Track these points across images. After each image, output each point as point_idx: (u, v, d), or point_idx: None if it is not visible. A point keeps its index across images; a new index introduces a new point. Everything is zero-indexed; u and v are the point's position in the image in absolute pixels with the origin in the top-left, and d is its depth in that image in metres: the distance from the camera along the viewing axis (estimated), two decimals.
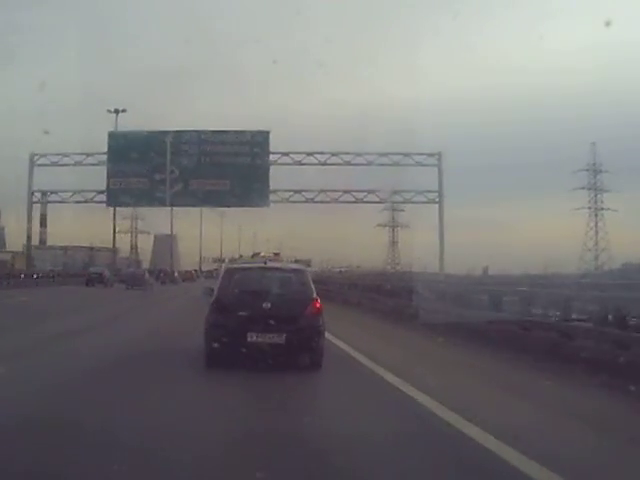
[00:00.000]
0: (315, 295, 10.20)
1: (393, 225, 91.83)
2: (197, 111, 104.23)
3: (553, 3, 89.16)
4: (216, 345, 9.65)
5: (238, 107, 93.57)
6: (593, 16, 77.61)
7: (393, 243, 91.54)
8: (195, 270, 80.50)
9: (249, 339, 9.53)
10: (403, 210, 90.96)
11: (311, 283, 10.43)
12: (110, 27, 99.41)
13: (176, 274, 66.40)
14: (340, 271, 65.97)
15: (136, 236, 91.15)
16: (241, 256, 57.53)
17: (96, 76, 74.85)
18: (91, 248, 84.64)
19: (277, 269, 11.37)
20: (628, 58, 76.44)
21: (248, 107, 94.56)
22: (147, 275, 48.23)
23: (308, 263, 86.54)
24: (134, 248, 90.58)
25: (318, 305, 10.10)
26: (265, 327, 9.54)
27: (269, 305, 9.78)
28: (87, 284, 44.65)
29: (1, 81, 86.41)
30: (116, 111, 50.07)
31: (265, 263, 11.57)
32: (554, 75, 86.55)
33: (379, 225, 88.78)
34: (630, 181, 79.06)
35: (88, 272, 49.98)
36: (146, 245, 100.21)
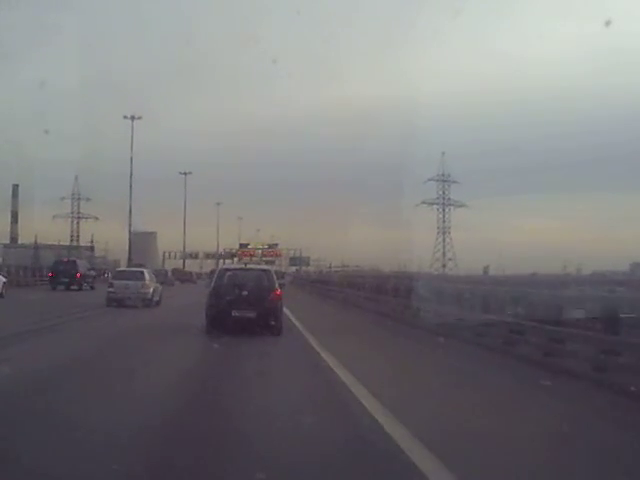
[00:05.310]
0: (276, 286, 15.80)
1: (443, 203, 65.55)
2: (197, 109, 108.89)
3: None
4: (212, 318, 15.21)
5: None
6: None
7: (443, 231, 65.35)
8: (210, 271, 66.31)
9: (233, 314, 15.05)
10: (457, 182, 64.12)
11: (274, 278, 16.06)
12: (110, 27, 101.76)
13: (169, 274, 58.74)
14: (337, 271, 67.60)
15: (78, 223, 75.92)
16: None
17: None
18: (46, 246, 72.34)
19: (252, 269, 17.15)
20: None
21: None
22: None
23: (307, 262, 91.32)
24: (75, 236, 75.72)
25: (278, 293, 15.66)
26: (243, 306, 15.08)
27: (246, 292, 15.33)
28: None
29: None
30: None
31: (245, 265, 17.28)
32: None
33: (424, 203, 64.15)
34: None
35: None
36: (101, 236, 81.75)
